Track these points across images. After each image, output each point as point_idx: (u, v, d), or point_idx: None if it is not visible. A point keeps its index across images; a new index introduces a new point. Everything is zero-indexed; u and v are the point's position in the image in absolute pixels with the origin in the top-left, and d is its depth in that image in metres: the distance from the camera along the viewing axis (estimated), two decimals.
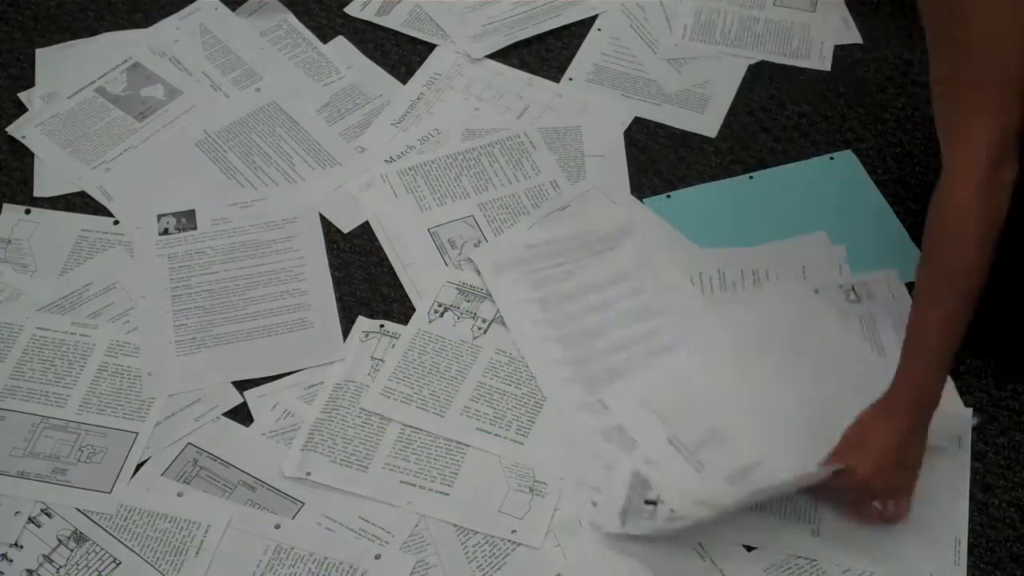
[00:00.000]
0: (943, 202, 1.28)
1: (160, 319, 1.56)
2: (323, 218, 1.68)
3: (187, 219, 1.66)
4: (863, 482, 1.31)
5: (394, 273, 1.63)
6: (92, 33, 1.90)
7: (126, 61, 1.85)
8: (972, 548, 1.39)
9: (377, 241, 1.66)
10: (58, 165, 1.72)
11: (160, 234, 1.64)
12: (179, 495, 1.41)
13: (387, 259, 1.64)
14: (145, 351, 1.53)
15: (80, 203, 1.68)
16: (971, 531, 1.40)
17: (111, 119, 1.78)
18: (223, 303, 1.58)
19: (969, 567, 1.37)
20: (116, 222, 1.66)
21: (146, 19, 1.92)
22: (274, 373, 1.52)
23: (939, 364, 1.30)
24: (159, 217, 1.66)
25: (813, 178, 1.74)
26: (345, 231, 1.67)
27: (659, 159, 1.77)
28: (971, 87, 1.27)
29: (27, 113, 1.78)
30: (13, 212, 1.67)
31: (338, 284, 1.61)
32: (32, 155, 1.73)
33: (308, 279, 1.61)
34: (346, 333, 1.55)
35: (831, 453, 1.33)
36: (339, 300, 1.59)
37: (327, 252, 1.64)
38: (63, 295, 1.58)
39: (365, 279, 1.62)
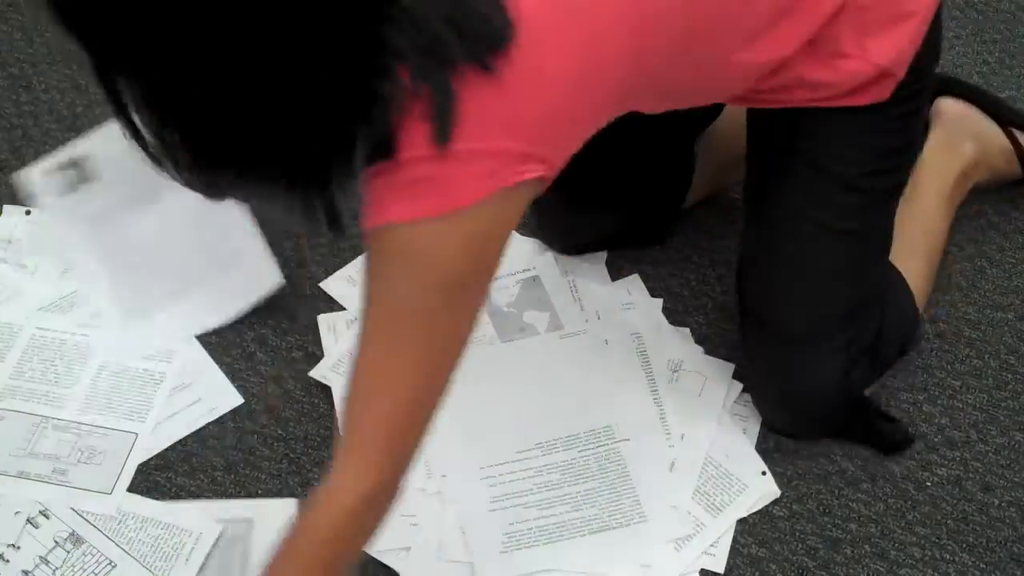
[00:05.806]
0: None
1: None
2: None
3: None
4: None
5: None
6: None
7: None
8: (972, 548, 1.39)
9: None
10: None
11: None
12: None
13: None
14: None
15: None
16: (971, 531, 1.40)
17: None
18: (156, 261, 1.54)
19: (969, 567, 1.37)
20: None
21: None
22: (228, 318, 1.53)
23: None
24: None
25: None
26: None
27: None
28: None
29: None
30: (13, 212, 1.67)
31: None
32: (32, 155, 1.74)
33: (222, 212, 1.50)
34: None
35: None
36: None
37: None
38: (63, 295, 1.58)
39: None
